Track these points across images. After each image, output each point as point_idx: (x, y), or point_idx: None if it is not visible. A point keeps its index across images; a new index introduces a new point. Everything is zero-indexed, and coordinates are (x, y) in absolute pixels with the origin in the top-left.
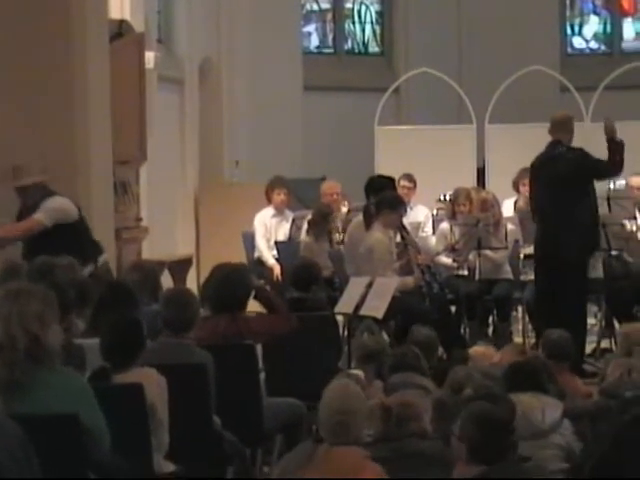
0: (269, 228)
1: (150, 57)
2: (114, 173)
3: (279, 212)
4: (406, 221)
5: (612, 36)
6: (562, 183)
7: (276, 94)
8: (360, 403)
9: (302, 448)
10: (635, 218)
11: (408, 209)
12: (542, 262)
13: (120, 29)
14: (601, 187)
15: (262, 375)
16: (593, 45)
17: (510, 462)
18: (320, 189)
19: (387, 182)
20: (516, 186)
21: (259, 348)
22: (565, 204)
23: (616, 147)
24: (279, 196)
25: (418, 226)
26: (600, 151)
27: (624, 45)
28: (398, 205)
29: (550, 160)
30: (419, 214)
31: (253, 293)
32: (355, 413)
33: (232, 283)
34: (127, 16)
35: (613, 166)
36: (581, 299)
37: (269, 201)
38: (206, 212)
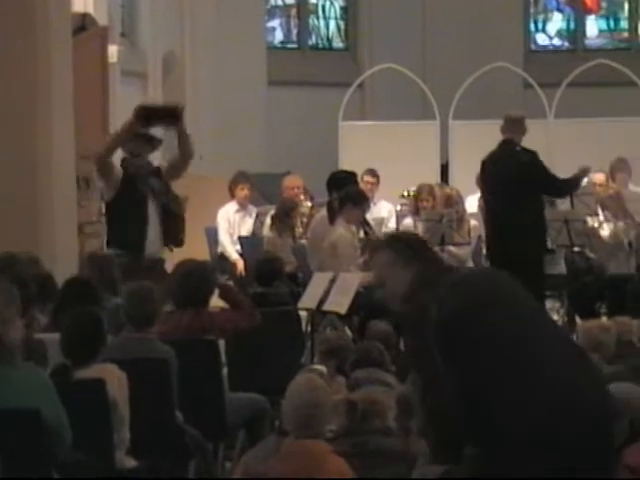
0: (232, 223)
1: (113, 51)
2: (77, 168)
3: (242, 207)
4: (369, 216)
5: (575, 33)
6: (514, 185)
7: (240, 89)
8: (326, 397)
9: (266, 442)
10: (597, 215)
11: (371, 204)
12: (494, 260)
13: (83, 23)
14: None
15: (225, 370)
16: (556, 42)
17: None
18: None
19: (349, 177)
20: (479, 182)
21: (222, 343)
22: (515, 204)
23: (576, 184)
24: (242, 191)
25: (381, 221)
26: (561, 147)
27: (587, 42)
28: (361, 200)
29: (503, 160)
30: (382, 210)
31: (217, 291)
32: (321, 406)
33: (196, 279)
34: (90, 9)
35: (561, 191)
36: (537, 296)
37: (232, 196)
38: None
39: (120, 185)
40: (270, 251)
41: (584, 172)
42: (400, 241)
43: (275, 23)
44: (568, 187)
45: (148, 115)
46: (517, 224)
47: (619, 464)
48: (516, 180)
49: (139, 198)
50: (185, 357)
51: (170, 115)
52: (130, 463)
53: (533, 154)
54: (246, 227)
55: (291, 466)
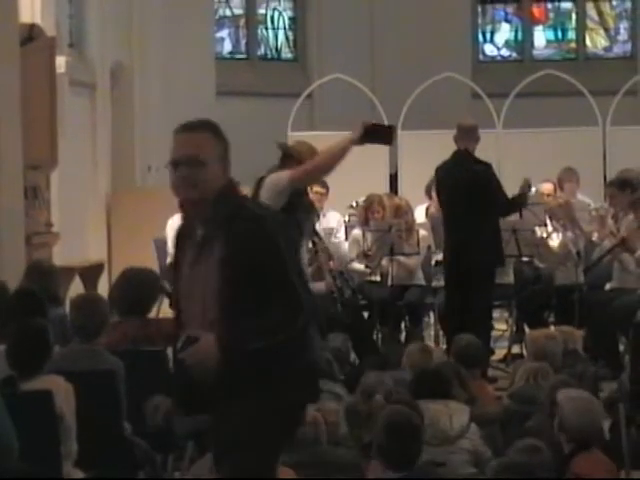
0: None
1: (61, 61)
2: (24, 178)
3: None
4: (319, 227)
5: (523, 44)
6: (468, 194)
7: (189, 99)
8: None
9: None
10: (546, 225)
11: (320, 215)
12: (450, 269)
13: (31, 33)
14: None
15: None
16: (504, 52)
17: (427, 467)
18: None
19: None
20: (428, 192)
21: (170, 353)
22: (470, 214)
23: (523, 201)
24: None
25: (330, 232)
26: (510, 158)
27: (535, 53)
28: (309, 211)
29: (457, 169)
30: (331, 220)
31: (169, 301)
32: None
33: (138, 286)
34: (38, 20)
35: (507, 209)
36: (488, 306)
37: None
38: (118, 217)
39: None
40: None
41: (525, 185)
42: None
43: (224, 33)
44: (514, 207)
45: (372, 132)
46: (473, 234)
47: (568, 473)
48: (471, 190)
49: None
50: (133, 368)
51: (388, 134)
52: (78, 475)
53: (487, 166)
54: None
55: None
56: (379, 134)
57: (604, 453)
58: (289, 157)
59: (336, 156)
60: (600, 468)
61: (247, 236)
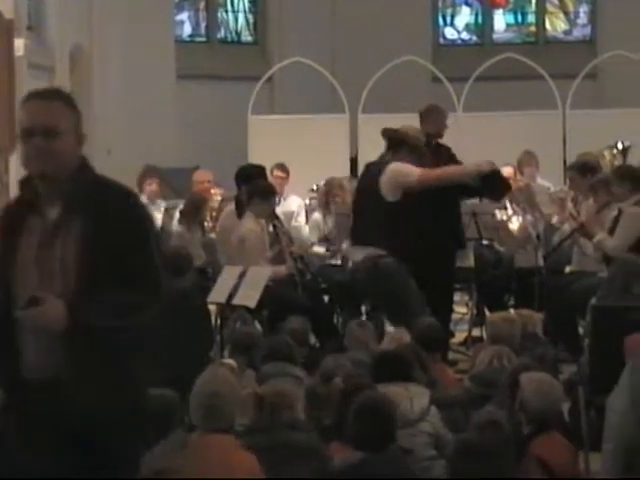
0: None
1: (20, 44)
2: None
3: (151, 202)
4: (279, 211)
5: (483, 27)
6: None
7: (149, 82)
8: (230, 388)
9: (173, 437)
10: (506, 208)
11: (281, 199)
12: (410, 252)
13: None
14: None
15: None
16: (465, 36)
17: (391, 452)
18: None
19: (257, 171)
20: None
21: None
22: (430, 198)
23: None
24: (151, 186)
25: (291, 216)
26: (470, 141)
27: (495, 36)
28: (269, 195)
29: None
30: (292, 204)
31: None
32: (225, 397)
33: None
34: None
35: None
36: (448, 289)
37: (141, 191)
38: None
39: None
40: (179, 245)
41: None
42: None
43: (184, 16)
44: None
45: (494, 178)
46: (433, 217)
47: (527, 455)
48: None
49: None
50: None
51: (501, 191)
52: None
53: (448, 149)
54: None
55: (197, 461)
56: (496, 184)
57: (563, 435)
58: (401, 144)
59: (462, 175)
60: (558, 450)
61: (116, 215)
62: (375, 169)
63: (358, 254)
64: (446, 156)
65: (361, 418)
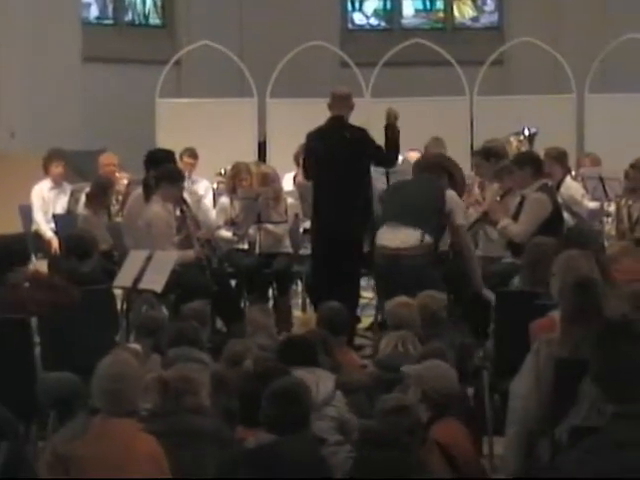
0: (47, 201)
1: None
2: None
3: (57, 185)
4: (187, 195)
5: (392, 13)
6: (343, 161)
7: (54, 65)
8: (133, 372)
9: (76, 421)
10: None
11: (189, 183)
12: (318, 237)
13: None
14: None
15: (37, 349)
16: (373, 21)
17: (304, 435)
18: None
19: (167, 156)
20: (296, 160)
21: (34, 321)
22: (342, 182)
23: (393, 135)
24: (57, 169)
25: (199, 199)
26: (378, 126)
27: (404, 22)
28: (177, 179)
29: (332, 135)
30: (200, 188)
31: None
32: (127, 380)
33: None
34: None
35: (389, 158)
36: (355, 274)
37: (47, 173)
38: None
39: None
40: (84, 229)
41: (390, 115)
42: None
43: None
44: (393, 149)
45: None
46: (343, 202)
47: (428, 440)
48: (345, 156)
49: None
50: None
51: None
52: None
53: (364, 131)
54: (61, 205)
55: (99, 445)
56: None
57: (468, 420)
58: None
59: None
60: (456, 435)
61: None
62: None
63: None
64: (364, 137)
65: (276, 402)
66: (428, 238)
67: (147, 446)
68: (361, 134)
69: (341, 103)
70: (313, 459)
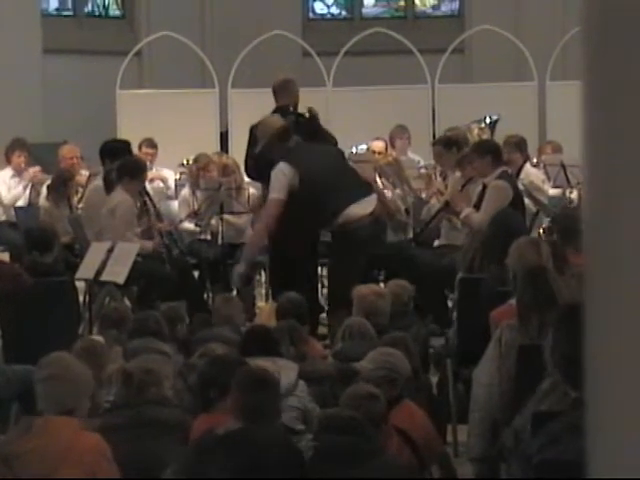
0: (9, 189)
1: None
2: None
3: (18, 174)
4: (148, 186)
5: (352, 2)
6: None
7: (14, 57)
8: (70, 371)
9: (20, 423)
10: (375, 182)
11: (153, 171)
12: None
13: None
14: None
15: None
16: (334, 10)
17: (270, 422)
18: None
19: (122, 146)
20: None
21: None
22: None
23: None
24: (19, 158)
25: (161, 191)
26: (341, 116)
27: (364, 11)
28: (139, 172)
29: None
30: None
31: None
32: (64, 381)
33: None
34: None
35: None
36: (317, 263)
37: (8, 162)
38: None
39: None
40: (45, 221)
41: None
42: None
43: None
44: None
45: None
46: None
47: (387, 426)
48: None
49: None
50: None
51: None
52: None
53: (311, 116)
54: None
55: (39, 441)
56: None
57: (431, 408)
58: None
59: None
60: (413, 418)
61: None
62: None
63: None
64: (311, 125)
65: (246, 390)
66: None
67: (90, 442)
68: (308, 119)
69: (284, 93)
70: (284, 445)
